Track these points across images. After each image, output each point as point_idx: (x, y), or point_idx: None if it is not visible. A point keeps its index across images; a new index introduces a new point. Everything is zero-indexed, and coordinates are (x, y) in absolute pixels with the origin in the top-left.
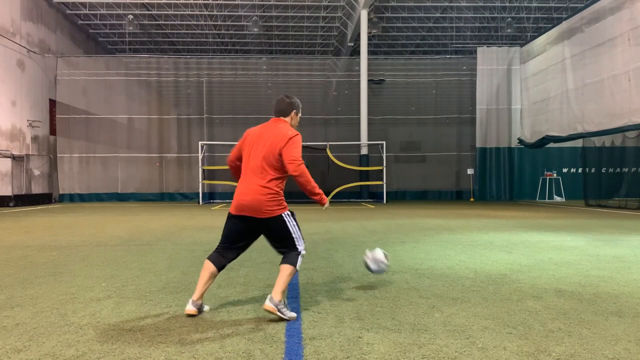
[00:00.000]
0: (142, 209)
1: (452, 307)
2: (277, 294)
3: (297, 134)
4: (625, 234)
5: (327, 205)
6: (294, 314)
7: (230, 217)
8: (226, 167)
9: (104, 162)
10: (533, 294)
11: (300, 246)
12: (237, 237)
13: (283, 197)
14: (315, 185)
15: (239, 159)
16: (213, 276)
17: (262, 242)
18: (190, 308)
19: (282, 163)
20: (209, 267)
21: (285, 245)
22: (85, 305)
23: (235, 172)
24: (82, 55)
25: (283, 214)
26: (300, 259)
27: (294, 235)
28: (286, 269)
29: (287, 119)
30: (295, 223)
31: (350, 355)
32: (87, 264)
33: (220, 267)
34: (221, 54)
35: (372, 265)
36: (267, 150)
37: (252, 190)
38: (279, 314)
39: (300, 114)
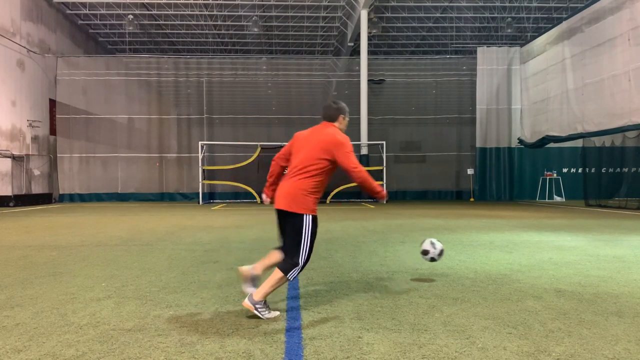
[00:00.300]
0: (142, 209)
1: (452, 307)
2: (258, 294)
3: (347, 139)
4: (625, 234)
5: (386, 198)
6: (275, 314)
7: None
8: (226, 167)
9: (104, 162)
10: (533, 294)
11: (301, 260)
12: (281, 229)
13: (315, 200)
14: (376, 184)
15: (286, 159)
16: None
17: (262, 242)
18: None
19: (328, 164)
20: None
21: (291, 246)
22: (85, 305)
23: (273, 169)
24: (82, 55)
25: (305, 215)
26: (295, 271)
27: (302, 243)
28: (277, 274)
29: (336, 123)
30: (311, 232)
31: (350, 355)
32: (87, 264)
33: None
34: (221, 54)
35: (425, 258)
36: (310, 151)
37: (289, 185)
38: (255, 312)
39: (347, 117)
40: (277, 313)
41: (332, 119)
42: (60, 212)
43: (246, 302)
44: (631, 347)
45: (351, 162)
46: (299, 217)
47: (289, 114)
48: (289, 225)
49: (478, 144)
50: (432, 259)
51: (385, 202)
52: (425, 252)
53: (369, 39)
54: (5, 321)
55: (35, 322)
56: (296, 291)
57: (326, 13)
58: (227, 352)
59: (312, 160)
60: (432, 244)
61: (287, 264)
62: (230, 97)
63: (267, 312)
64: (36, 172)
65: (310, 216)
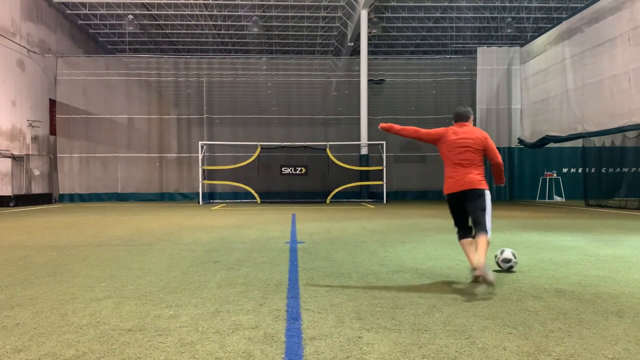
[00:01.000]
0: (142, 209)
1: (452, 307)
2: (482, 261)
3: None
4: (625, 234)
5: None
6: (493, 275)
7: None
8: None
9: (104, 162)
10: (533, 294)
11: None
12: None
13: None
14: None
15: (427, 140)
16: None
17: (262, 242)
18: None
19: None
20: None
21: (481, 215)
22: (85, 305)
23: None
24: (82, 55)
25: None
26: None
27: (486, 211)
28: (484, 239)
29: (470, 122)
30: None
31: (350, 355)
32: (87, 264)
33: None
34: (221, 54)
35: (504, 266)
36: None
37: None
38: (488, 277)
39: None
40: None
41: (466, 118)
42: (60, 212)
43: (479, 272)
44: (631, 347)
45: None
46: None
47: (288, 114)
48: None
49: None
50: (510, 268)
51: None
52: (507, 261)
53: (369, 39)
54: (5, 321)
55: (35, 322)
56: (296, 291)
57: (326, 13)
58: (227, 352)
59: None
60: (514, 254)
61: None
62: (230, 97)
63: (490, 273)
64: (36, 172)
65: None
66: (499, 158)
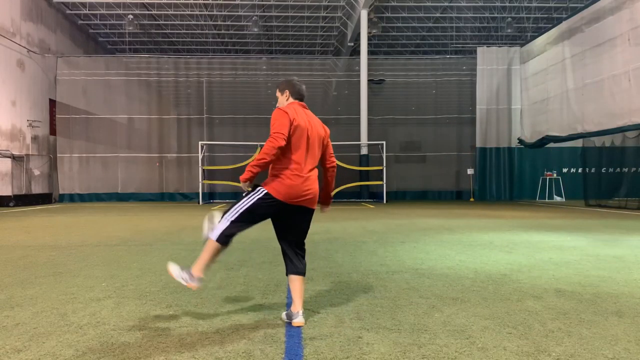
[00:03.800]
0: (142, 209)
1: (452, 307)
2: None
3: None
4: (625, 234)
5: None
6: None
7: (274, 204)
8: (226, 167)
9: (104, 162)
10: (533, 294)
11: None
12: (262, 220)
13: None
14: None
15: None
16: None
17: (261, 242)
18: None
19: (324, 156)
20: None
21: (304, 239)
22: (85, 305)
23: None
24: (82, 55)
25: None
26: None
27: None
28: (302, 281)
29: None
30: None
31: (350, 355)
32: (87, 264)
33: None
34: (221, 54)
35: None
36: (319, 141)
37: (314, 180)
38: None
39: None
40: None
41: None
42: (60, 212)
43: (302, 321)
44: (631, 347)
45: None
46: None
47: None
48: (305, 221)
49: (478, 144)
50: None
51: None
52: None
53: (369, 39)
54: (5, 321)
55: (35, 322)
56: None
57: (326, 13)
58: (227, 352)
59: (320, 153)
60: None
61: (304, 265)
62: (230, 97)
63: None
64: (36, 172)
65: None
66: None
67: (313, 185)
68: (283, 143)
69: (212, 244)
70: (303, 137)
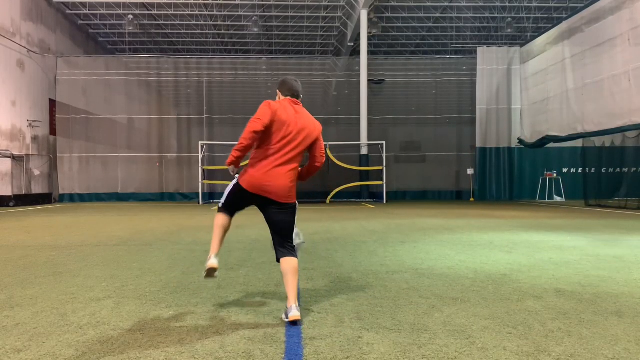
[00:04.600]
0: (142, 209)
1: (452, 307)
2: (294, 299)
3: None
4: (625, 234)
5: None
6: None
7: (244, 193)
8: (226, 167)
9: (104, 162)
10: (533, 294)
11: (296, 240)
12: (243, 207)
13: None
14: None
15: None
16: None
17: (262, 242)
18: (213, 262)
19: (311, 152)
20: (224, 222)
21: (287, 235)
22: (85, 305)
23: (250, 148)
24: (82, 55)
25: (296, 202)
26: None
27: (295, 227)
28: (295, 274)
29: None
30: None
31: (350, 355)
32: (87, 264)
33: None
34: (221, 54)
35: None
36: (304, 138)
37: (283, 175)
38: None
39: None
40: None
41: (300, 96)
42: (60, 212)
43: (297, 314)
44: (631, 347)
45: (323, 146)
46: (294, 205)
47: None
48: (276, 213)
49: (478, 144)
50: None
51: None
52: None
53: (369, 39)
54: (5, 321)
55: (35, 322)
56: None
57: (326, 13)
58: (227, 352)
59: (304, 149)
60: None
61: (294, 251)
62: (230, 97)
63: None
64: (36, 172)
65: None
66: None
67: (276, 181)
68: (259, 128)
69: (216, 218)
70: (281, 131)
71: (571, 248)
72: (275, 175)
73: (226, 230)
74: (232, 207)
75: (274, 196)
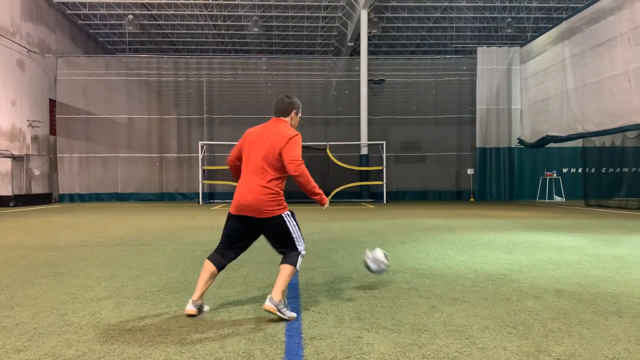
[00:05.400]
0: (142, 209)
1: (452, 307)
2: (277, 294)
3: (297, 134)
4: (625, 234)
5: (327, 205)
6: (293, 314)
7: (230, 217)
8: (226, 167)
9: (104, 162)
10: (533, 294)
11: (301, 246)
12: (237, 237)
13: (283, 197)
14: (315, 185)
15: (239, 158)
16: (213, 276)
17: (262, 242)
18: (190, 308)
19: (282, 163)
20: (209, 267)
21: (285, 245)
22: (85, 305)
23: (235, 173)
24: (82, 55)
25: (283, 214)
26: (300, 259)
27: (294, 236)
28: (286, 269)
29: (287, 119)
30: (295, 223)
31: (350, 355)
32: (87, 264)
33: (220, 268)
34: (221, 54)
35: (372, 265)
36: (267, 150)
37: (253, 190)
38: (279, 314)
39: (300, 114)
40: (294, 314)
41: (283, 113)
42: (60, 212)
43: (268, 305)
44: (631, 347)
45: (293, 153)
46: (278, 217)
47: None
48: (269, 230)
49: (478, 144)
50: (368, 267)
51: (324, 209)
52: (366, 265)
53: (369, 39)
54: (5, 321)
55: (35, 322)
56: (296, 291)
57: (326, 13)
58: (227, 352)
59: (272, 161)
60: (386, 256)
61: (292, 257)
62: (230, 97)
63: (287, 311)
64: (36, 172)
65: (287, 211)
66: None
67: (247, 196)
68: (229, 159)
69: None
70: (246, 150)
71: (571, 248)
72: (247, 190)
73: (212, 274)
74: (226, 240)
75: (254, 212)
